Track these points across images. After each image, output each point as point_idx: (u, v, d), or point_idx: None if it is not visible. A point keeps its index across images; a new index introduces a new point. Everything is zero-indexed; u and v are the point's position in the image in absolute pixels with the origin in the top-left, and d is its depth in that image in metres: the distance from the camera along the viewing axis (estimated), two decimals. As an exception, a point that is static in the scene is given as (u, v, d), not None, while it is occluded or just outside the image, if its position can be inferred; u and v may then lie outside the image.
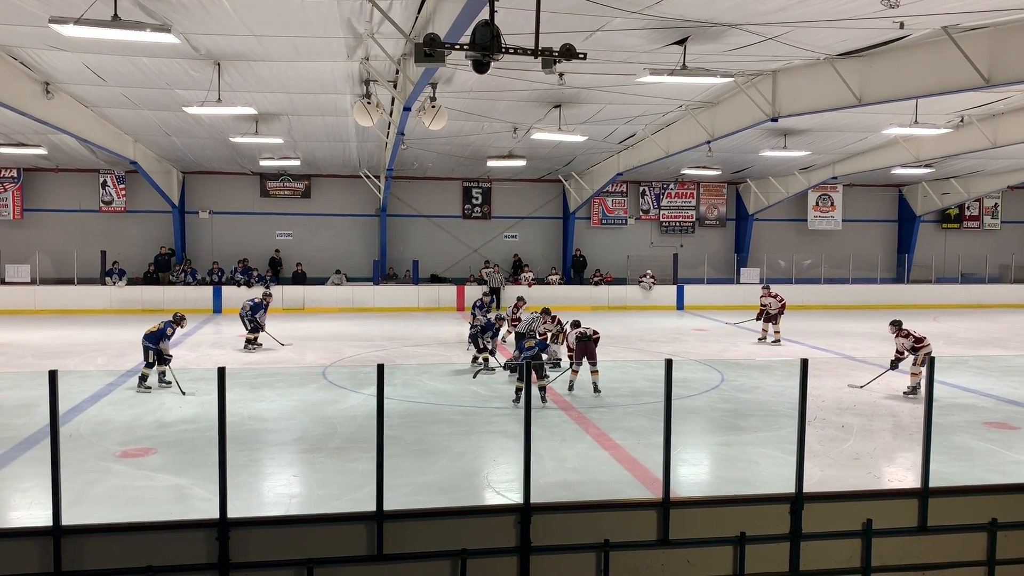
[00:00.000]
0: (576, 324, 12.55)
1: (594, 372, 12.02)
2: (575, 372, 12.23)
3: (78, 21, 9.41)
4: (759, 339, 18.78)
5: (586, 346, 12.07)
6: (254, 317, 16.42)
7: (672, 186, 29.37)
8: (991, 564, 6.70)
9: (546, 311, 13.56)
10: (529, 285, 25.40)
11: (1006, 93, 15.84)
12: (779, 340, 18.39)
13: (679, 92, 16.17)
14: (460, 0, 7.86)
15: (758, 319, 18.90)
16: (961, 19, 10.96)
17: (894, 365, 12.66)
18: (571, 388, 12.16)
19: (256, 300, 16.65)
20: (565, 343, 12.68)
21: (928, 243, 30.94)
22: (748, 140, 20.89)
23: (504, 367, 12.37)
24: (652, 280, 26.67)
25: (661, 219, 29.65)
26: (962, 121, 18.81)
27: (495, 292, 24.84)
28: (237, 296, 23.97)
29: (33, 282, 23.73)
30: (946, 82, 12.20)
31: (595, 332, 12.24)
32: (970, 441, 9.99)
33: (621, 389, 11.93)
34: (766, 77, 15.05)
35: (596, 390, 11.94)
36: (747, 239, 29.60)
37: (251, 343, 16.49)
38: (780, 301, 18.49)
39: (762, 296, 18.83)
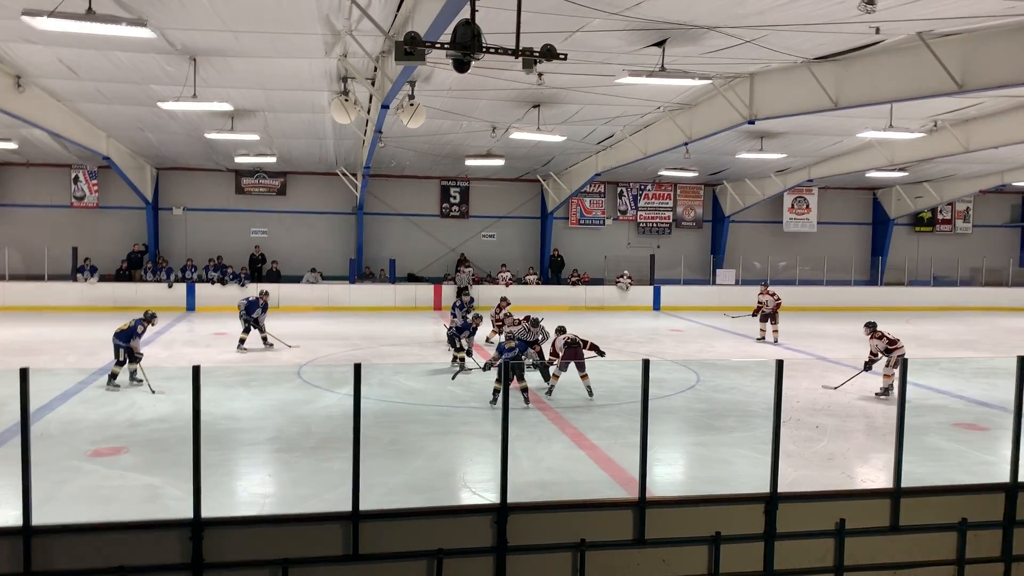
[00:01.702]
0: (561, 330, 12.46)
1: (584, 377, 11.90)
2: (556, 377, 12.13)
3: (52, 14, 9.28)
4: (758, 339, 19.01)
5: (575, 351, 11.96)
6: (250, 316, 16.08)
7: (649, 187, 29.49)
8: (961, 563, 6.80)
9: (536, 322, 13.43)
10: (507, 285, 25.39)
11: (978, 99, 16.07)
12: (777, 340, 18.62)
13: (657, 93, 16.23)
14: (440, -1, 7.86)
15: (754, 315, 19.33)
16: (935, 25, 11.08)
17: (868, 366, 12.79)
18: (549, 394, 12.07)
19: (251, 299, 16.29)
20: (551, 347, 12.54)
21: (902, 246, 31.32)
22: (725, 142, 21.02)
23: (484, 368, 12.34)
24: (629, 281, 26.77)
25: (638, 220, 29.76)
26: (936, 126, 19.04)
27: (461, 292, 24.84)
28: (210, 294, 23.84)
29: (2, 278, 23.39)
30: (920, 87, 12.34)
31: (588, 344, 12.13)
32: (941, 442, 10.12)
33: (598, 389, 11.94)
34: (743, 80, 15.15)
35: (590, 394, 11.82)
36: (723, 241, 29.80)
37: (243, 343, 16.14)
38: (776, 300, 18.80)
39: (760, 294, 19.32)
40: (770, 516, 6.47)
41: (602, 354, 12.09)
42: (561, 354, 12.09)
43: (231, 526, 5.88)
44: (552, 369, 12.26)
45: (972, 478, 8.10)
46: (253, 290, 22.86)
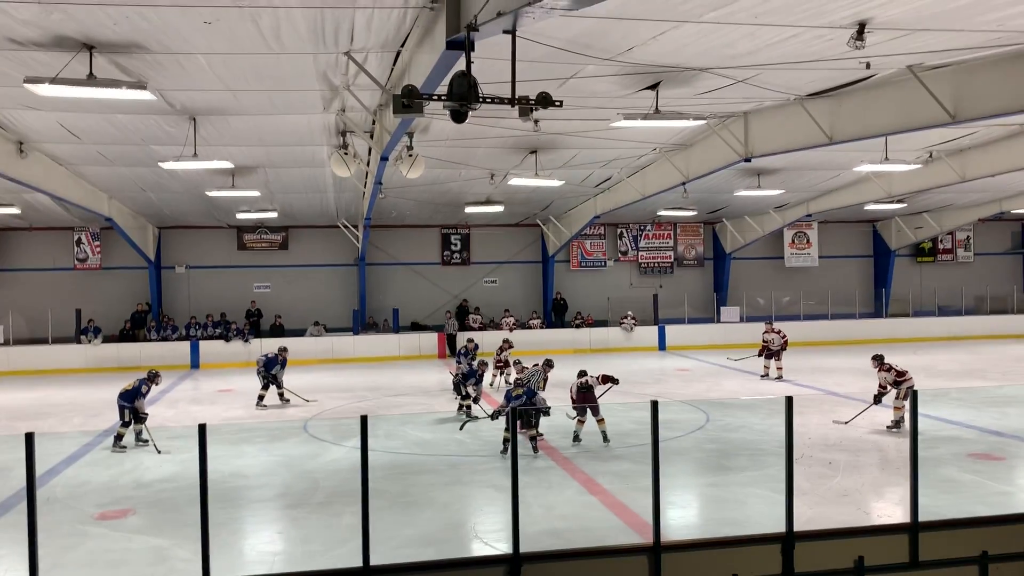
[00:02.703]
0: (581, 374, 12.17)
1: (600, 421, 11.73)
2: (581, 422, 11.91)
3: (53, 80, 9.43)
4: (761, 376, 18.84)
5: (585, 396, 11.80)
6: (268, 372, 15.89)
7: (649, 227, 29.61)
8: (985, 597, 6.66)
9: (550, 363, 13.34)
10: (511, 329, 25.35)
11: (972, 129, 16.20)
12: (781, 376, 18.46)
13: (653, 135, 16.39)
14: (435, 53, 7.97)
15: (760, 355, 19.06)
16: (925, 58, 11.22)
17: (877, 399, 12.68)
18: (576, 439, 11.85)
19: (271, 355, 16.09)
20: (569, 391, 12.27)
21: (904, 277, 31.29)
22: (722, 180, 21.14)
23: (492, 417, 12.25)
24: (633, 321, 26.73)
25: (640, 260, 29.82)
26: (931, 157, 19.16)
27: (450, 339, 24.79)
28: (214, 351, 23.80)
29: (6, 343, 23.35)
30: (913, 119, 12.45)
31: (600, 377, 11.98)
32: (956, 473, 10.00)
33: (607, 432, 11.84)
34: (738, 118, 15.30)
35: (605, 439, 11.64)
36: (725, 278, 29.81)
37: (261, 400, 15.95)
38: (783, 337, 18.68)
39: (765, 332, 19.10)
40: (787, 556, 6.36)
41: (616, 382, 11.95)
42: (575, 399, 11.93)
43: (240, 586, 5.80)
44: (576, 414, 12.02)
45: (990, 509, 7.99)
46: (257, 345, 22.90)
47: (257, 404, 15.95)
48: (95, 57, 9.82)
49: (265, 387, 15.98)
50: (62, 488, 10.06)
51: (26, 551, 5.45)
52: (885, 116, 12.84)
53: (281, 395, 16.22)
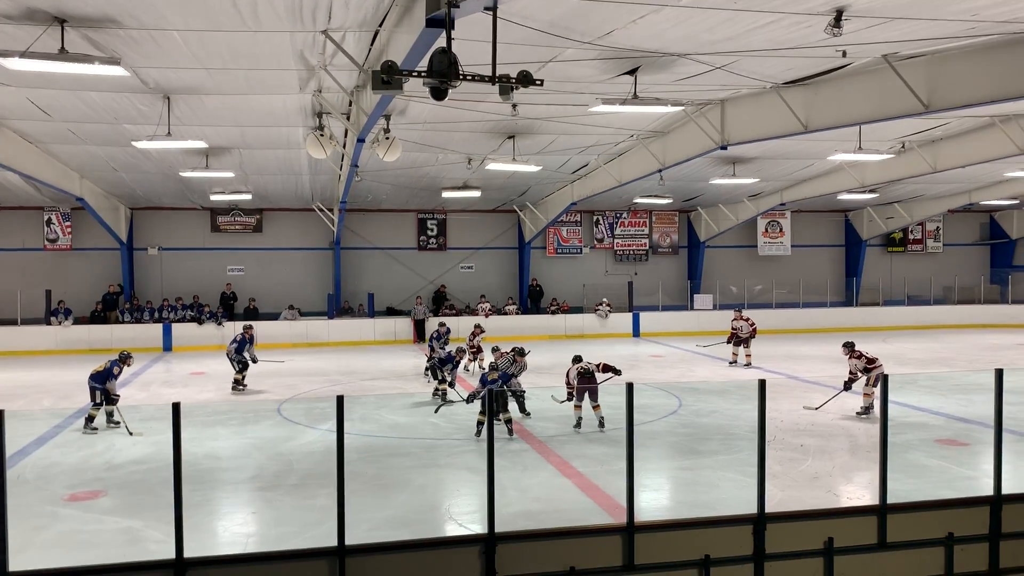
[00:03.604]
0: (577, 359, 12.12)
1: (596, 407, 11.67)
2: (578, 407, 11.85)
3: (23, 54, 9.26)
4: (730, 363, 19.01)
5: (589, 380, 11.73)
6: (241, 356, 15.75)
7: (625, 215, 29.70)
8: (950, 578, 6.80)
9: (522, 352, 13.31)
10: (486, 315, 25.36)
11: (944, 119, 16.39)
12: (750, 364, 18.63)
13: (630, 122, 16.42)
14: (414, 32, 7.91)
15: (728, 342, 19.23)
16: (900, 47, 11.34)
17: (847, 386, 12.85)
18: (577, 425, 11.81)
19: (238, 337, 15.93)
20: (565, 377, 12.20)
21: (875, 266, 31.69)
22: (698, 168, 21.26)
23: (467, 400, 12.26)
24: (608, 308, 26.84)
25: (615, 248, 29.92)
26: (903, 147, 19.39)
27: (419, 324, 24.79)
28: (187, 334, 23.56)
29: (-26, 324, 23.01)
30: (887, 108, 12.58)
31: (600, 366, 11.91)
32: (923, 458, 10.18)
33: (603, 419, 11.88)
34: (715, 106, 15.36)
35: (600, 425, 11.60)
36: (699, 266, 30.01)
37: (238, 383, 15.77)
38: (752, 325, 18.83)
39: (734, 319, 19.21)
40: (759, 537, 6.45)
41: (618, 372, 11.89)
42: (575, 384, 11.83)
43: (216, 565, 5.77)
44: (575, 400, 11.92)
45: (956, 493, 8.13)
46: (231, 329, 22.67)
47: (233, 389, 15.78)
48: (67, 32, 9.65)
49: (240, 371, 15.83)
50: (31, 469, 9.94)
51: (-6, 531, 5.39)
52: (860, 105, 12.96)
53: (254, 359, 15.98)
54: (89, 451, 10.93)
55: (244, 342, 15.81)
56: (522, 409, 12.48)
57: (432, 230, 28.39)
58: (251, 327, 16.40)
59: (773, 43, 10.89)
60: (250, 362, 15.92)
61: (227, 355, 16.00)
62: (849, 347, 13.08)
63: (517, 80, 7.22)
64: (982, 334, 26.29)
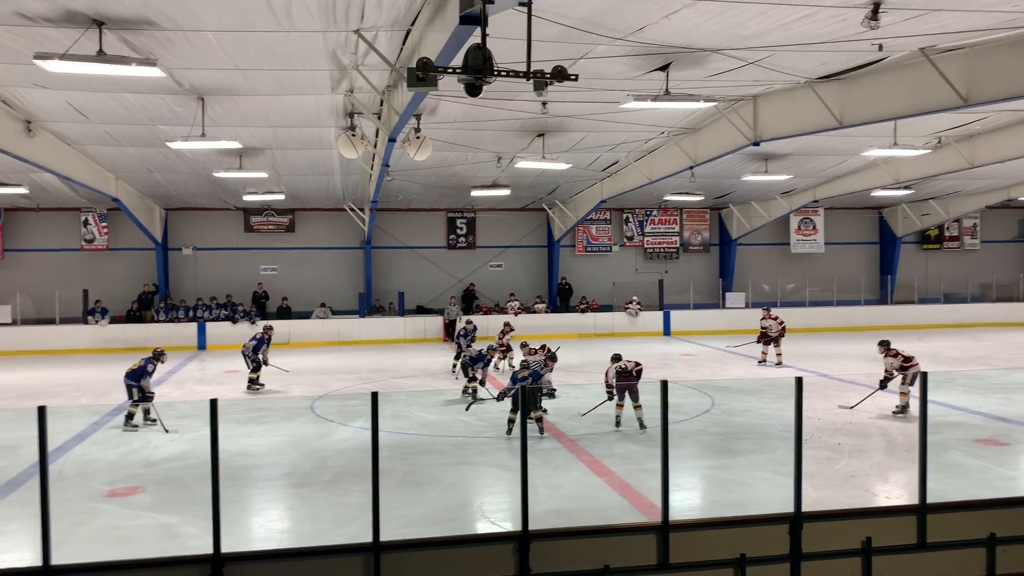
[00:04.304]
0: (616, 358, 11.96)
1: (637, 407, 11.53)
2: (620, 407, 11.74)
3: (63, 56, 9.40)
4: (759, 362, 18.80)
5: (628, 379, 11.63)
6: (256, 356, 15.79)
7: (655, 212, 29.54)
8: (992, 579, 6.67)
9: (553, 356, 13.21)
10: (516, 314, 25.36)
11: (982, 113, 16.11)
12: (781, 363, 18.43)
13: (661, 119, 16.31)
14: (447, 30, 7.92)
15: (758, 342, 19.01)
16: (938, 40, 11.14)
17: (883, 385, 12.67)
18: (618, 424, 11.71)
19: (257, 336, 15.98)
20: (604, 377, 12.07)
21: (910, 264, 31.21)
22: (730, 165, 21.08)
23: (497, 398, 12.26)
24: (638, 306, 26.71)
25: (645, 245, 29.78)
26: (940, 142, 19.06)
27: (450, 323, 24.81)
28: (221, 333, 23.83)
29: (14, 323, 23.43)
30: (924, 103, 12.37)
31: (637, 365, 11.80)
32: (962, 458, 10.00)
33: (613, 415, 11.85)
34: (747, 102, 15.22)
35: (641, 426, 11.46)
36: (731, 264, 29.77)
37: (254, 383, 15.83)
38: (780, 324, 18.63)
39: (762, 319, 19.00)
40: (795, 536, 6.36)
41: (638, 370, 11.77)
42: (615, 383, 11.71)
43: (252, 560, 5.81)
44: (616, 399, 11.78)
45: (996, 494, 7.98)
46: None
47: (248, 387, 15.79)
48: (105, 34, 9.79)
49: (255, 370, 15.84)
50: (71, 465, 10.11)
51: (34, 527, 5.46)
52: (896, 100, 12.76)
53: (258, 378, 15.97)
54: (126, 448, 11.10)
55: (262, 341, 15.86)
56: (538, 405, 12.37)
57: (461, 229, 28.45)
58: (271, 328, 16.42)
59: (807, 37, 10.76)
60: (262, 363, 15.97)
61: (243, 352, 15.99)
62: (885, 345, 12.90)
63: (552, 75, 7.19)
64: (1021, 332, 25.80)
